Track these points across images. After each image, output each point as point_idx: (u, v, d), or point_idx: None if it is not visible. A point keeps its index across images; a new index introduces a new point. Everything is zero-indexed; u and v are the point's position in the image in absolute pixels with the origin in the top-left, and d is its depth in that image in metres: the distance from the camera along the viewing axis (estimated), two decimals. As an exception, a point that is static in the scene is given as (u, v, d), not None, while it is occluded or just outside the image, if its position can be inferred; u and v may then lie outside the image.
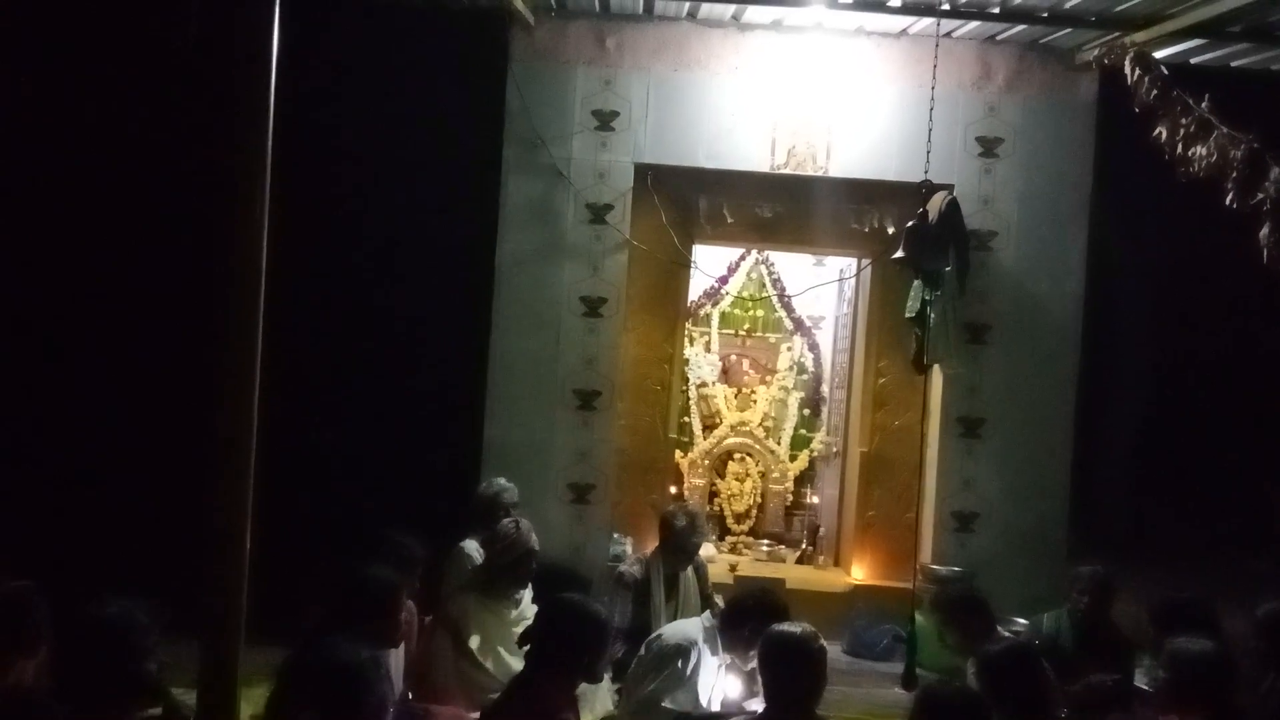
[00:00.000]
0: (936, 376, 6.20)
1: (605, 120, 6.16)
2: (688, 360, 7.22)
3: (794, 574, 6.59)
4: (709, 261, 7.14)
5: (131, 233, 5.77)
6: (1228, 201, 4.70)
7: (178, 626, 2.81)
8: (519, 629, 4.57)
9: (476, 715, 4.16)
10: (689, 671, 3.97)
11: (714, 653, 4.04)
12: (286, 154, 3.31)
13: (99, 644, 2.86)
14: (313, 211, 5.14)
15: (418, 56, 5.75)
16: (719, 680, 4.06)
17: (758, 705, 3.45)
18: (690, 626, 4.16)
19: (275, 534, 3.65)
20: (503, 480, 5.16)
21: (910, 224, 5.23)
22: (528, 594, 4.70)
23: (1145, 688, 4.27)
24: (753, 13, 5.99)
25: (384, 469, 5.58)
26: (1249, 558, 8.93)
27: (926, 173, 4.81)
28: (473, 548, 4.91)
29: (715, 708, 4.05)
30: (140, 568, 4.03)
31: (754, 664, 3.76)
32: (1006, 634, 4.27)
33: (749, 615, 3.88)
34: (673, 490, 6.94)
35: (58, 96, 5.75)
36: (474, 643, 4.47)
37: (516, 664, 4.48)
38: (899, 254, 5.37)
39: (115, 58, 5.62)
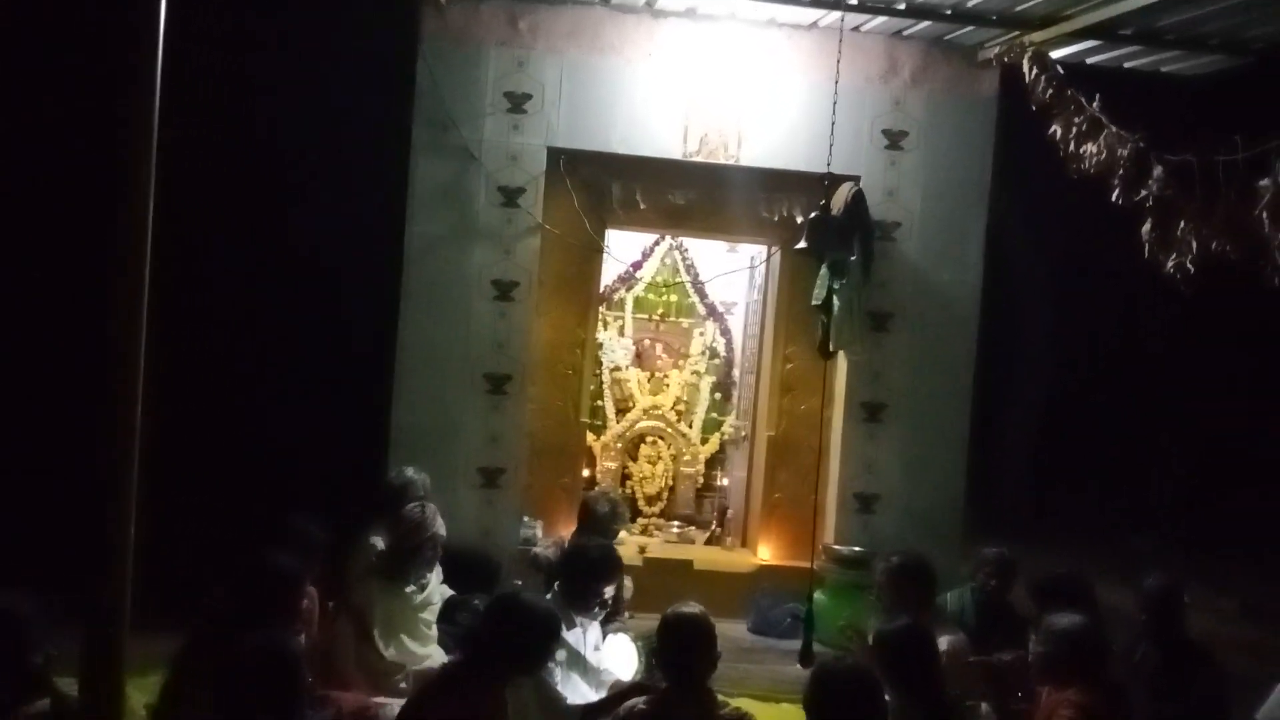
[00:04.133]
0: (841, 362, 6.36)
1: (518, 102, 6.12)
2: (601, 344, 7.25)
3: (702, 555, 6.70)
4: (623, 246, 7.17)
5: (14, 211, 5.53)
6: (1114, 198, 4.92)
7: (68, 617, 2.74)
8: (425, 615, 4.61)
9: (380, 700, 4.19)
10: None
11: (570, 625, 4.12)
12: (187, 133, 3.24)
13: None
14: (217, 191, 5.01)
15: (326, 34, 5.64)
16: (585, 645, 4.22)
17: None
18: None
19: (174, 520, 3.59)
20: (412, 471, 5.10)
21: (812, 215, 5.33)
22: (435, 579, 4.70)
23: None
24: (666, -1, 6.02)
25: (288, 453, 5.49)
26: (1132, 535, 9.45)
27: (829, 165, 4.91)
28: (377, 538, 4.87)
29: (598, 665, 4.23)
30: (27, 558, 3.91)
31: (598, 619, 4.21)
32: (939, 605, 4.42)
33: (577, 573, 4.21)
34: (585, 474, 6.97)
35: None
36: (377, 630, 4.46)
37: (419, 650, 4.50)
38: (801, 245, 5.48)
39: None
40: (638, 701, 3.35)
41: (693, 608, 3.45)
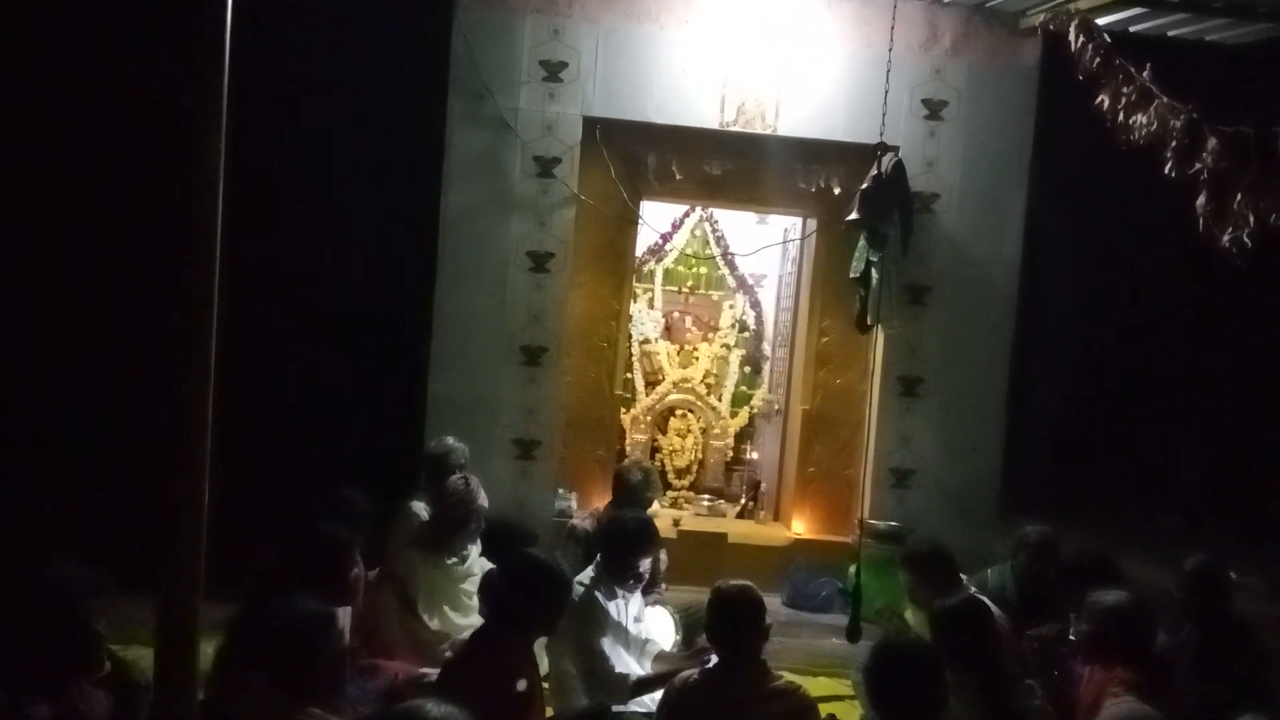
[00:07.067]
0: (877, 336, 6.30)
1: (553, 71, 6.05)
2: (631, 316, 7.20)
3: (735, 528, 6.68)
4: (653, 217, 7.10)
5: (85, 192, 5.51)
6: (1166, 171, 4.82)
7: (139, 584, 2.73)
8: (466, 586, 4.61)
9: (423, 670, 4.20)
10: (598, 618, 4.08)
11: (611, 597, 4.14)
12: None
13: (37, 608, 2.78)
14: (253, 162, 4.95)
15: (361, 2, 5.56)
16: (626, 616, 4.21)
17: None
18: (580, 578, 4.20)
19: (222, 489, 3.58)
20: (452, 440, 5.10)
21: (864, 186, 5.24)
22: (475, 551, 4.70)
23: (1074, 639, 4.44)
24: (703, -35, 5.92)
25: (327, 424, 5.49)
26: (1158, 513, 9.40)
27: (882, 135, 4.83)
28: (419, 506, 4.88)
29: (641, 635, 4.25)
30: (98, 525, 3.91)
31: (638, 590, 4.21)
32: (971, 588, 4.38)
33: (615, 546, 4.16)
34: (618, 447, 6.95)
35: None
36: (420, 600, 4.46)
37: (462, 621, 4.51)
38: (854, 216, 5.39)
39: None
40: (692, 673, 3.35)
41: (741, 582, 3.46)
